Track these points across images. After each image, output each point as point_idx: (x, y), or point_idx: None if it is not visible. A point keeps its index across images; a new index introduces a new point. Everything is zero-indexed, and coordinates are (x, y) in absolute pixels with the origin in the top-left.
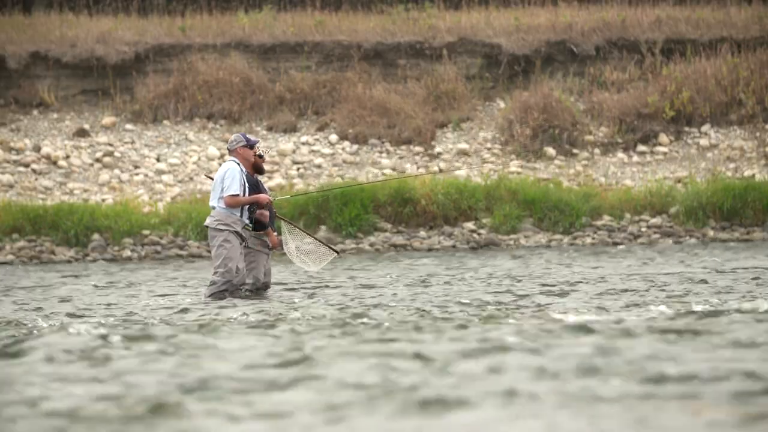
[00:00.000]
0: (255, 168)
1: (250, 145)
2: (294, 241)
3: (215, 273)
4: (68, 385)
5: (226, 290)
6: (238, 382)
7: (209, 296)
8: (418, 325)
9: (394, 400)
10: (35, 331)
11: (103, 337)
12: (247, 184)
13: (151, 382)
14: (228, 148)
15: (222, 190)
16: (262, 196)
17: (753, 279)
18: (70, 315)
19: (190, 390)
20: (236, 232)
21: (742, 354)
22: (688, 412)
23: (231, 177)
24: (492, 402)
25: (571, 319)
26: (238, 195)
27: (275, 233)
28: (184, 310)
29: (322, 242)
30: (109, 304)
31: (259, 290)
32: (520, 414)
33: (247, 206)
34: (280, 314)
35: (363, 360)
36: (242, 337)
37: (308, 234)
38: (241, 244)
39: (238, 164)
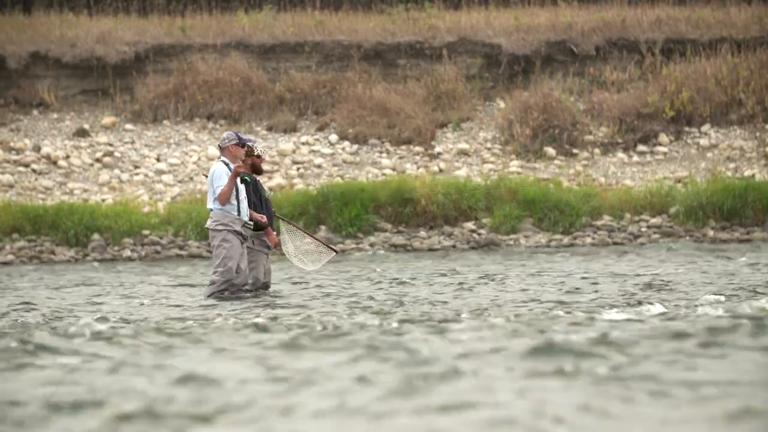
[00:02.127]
0: (253, 168)
1: (242, 144)
2: (293, 241)
3: (215, 273)
4: (63, 384)
5: (225, 290)
6: (231, 381)
7: (209, 296)
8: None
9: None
10: (28, 330)
11: (100, 337)
12: (236, 183)
13: (145, 381)
14: (219, 146)
15: (214, 192)
16: (236, 168)
17: None
18: (67, 314)
19: (184, 389)
20: (235, 231)
21: None
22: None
23: (218, 177)
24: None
25: None
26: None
27: (274, 233)
28: (183, 310)
29: (321, 242)
30: (107, 304)
31: (258, 290)
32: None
33: (245, 202)
34: (277, 314)
35: (360, 360)
36: (236, 336)
37: (307, 234)
38: (242, 243)
39: (226, 164)
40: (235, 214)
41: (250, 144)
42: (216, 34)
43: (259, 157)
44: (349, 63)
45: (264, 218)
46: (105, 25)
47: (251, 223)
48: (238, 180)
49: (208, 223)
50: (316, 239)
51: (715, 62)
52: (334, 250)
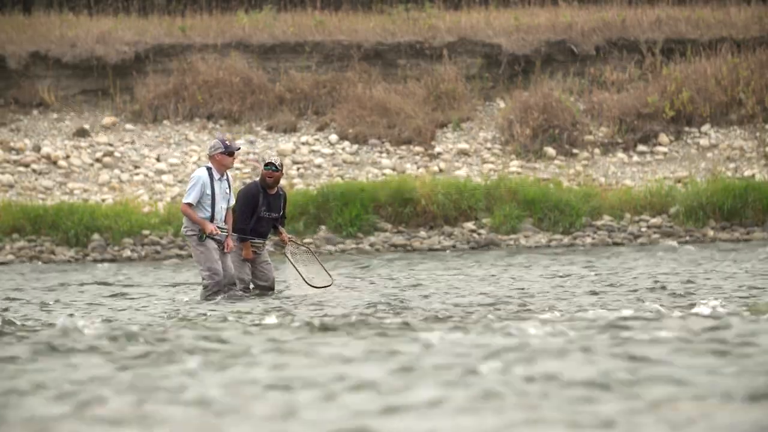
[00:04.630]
0: (261, 181)
1: (229, 152)
2: (295, 265)
3: (203, 278)
4: (63, 384)
5: (218, 291)
6: (228, 381)
7: (204, 299)
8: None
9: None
10: (30, 330)
11: (99, 337)
12: (213, 192)
13: (144, 382)
14: (207, 154)
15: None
16: (208, 225)
17: None
18: (66, 314)
19: (183, 390)
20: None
21: None
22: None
23: (192, 184)
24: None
25: None
26: (191, 205)
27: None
28: (180, 310)
29: (313, 272)
30: (106, 304)
31: (246, 290)
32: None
33: (221, 207)
34: (274, 315)
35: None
36: (232, 337)
37: (308, 258)
38: (217, 245)
39: (209, 169)
40: (208, 218)
41: (259, 159)
42: (216, 34)
43: (266, 169)
44: (349, 63)
45: (251, 255)
46: (105, 25)
47: (225, 227)
48: (213, 185)
49: (182, 229)
50: (311, 269)
51: (715, 62)
52: (331, 281)
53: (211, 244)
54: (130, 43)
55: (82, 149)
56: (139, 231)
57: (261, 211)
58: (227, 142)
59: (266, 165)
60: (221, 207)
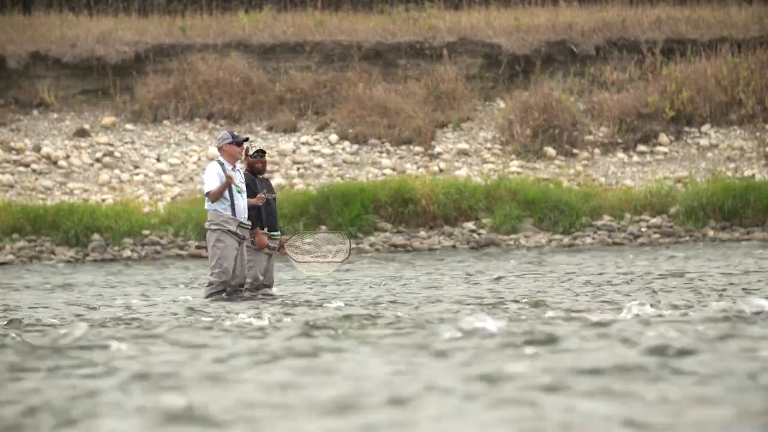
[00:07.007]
0: (250, 168)
1: (237, 142)
2: (298, 253)
3: (212, 274)
4: (65, 384)
5: (223, 290)
6: (232, 383)
7: (207, 297)
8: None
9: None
10: (34, 330)
11: (100, 336)
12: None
13: (146, 383)
14: (216, 146)
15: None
16: (225, 183)
17: None
18: (68, 314)
19: (184, 392)
20: (230, 231)
21: None
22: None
23: (207, 175)
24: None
25: None
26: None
27: (273, 234)
28: (181, 311)
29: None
30: (107, 304)
31: (257, 290)
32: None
33: (243, 202)
34: (274, 315)
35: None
36: (234, 338)
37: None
38: (238, 243)
39: (221, 163)
40: (229, 213)
41: (246, 145)
42: (216, 34)
43: (254, 157)
44: (349, 63)
45: (264, 242)
46: (105, 25)
47: (248, 222)
48: (227, 174)
49: (206, 224)
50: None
51: (715, 62)
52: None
53: (231, 243)
54: (130, 43)
55: (82, 149)
56: (139, 231)
57: (274, 192)
58: (235, 133)
59: (255, 153)
60: (241, 197)
